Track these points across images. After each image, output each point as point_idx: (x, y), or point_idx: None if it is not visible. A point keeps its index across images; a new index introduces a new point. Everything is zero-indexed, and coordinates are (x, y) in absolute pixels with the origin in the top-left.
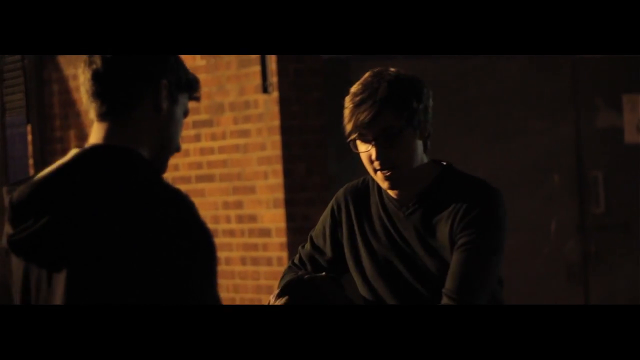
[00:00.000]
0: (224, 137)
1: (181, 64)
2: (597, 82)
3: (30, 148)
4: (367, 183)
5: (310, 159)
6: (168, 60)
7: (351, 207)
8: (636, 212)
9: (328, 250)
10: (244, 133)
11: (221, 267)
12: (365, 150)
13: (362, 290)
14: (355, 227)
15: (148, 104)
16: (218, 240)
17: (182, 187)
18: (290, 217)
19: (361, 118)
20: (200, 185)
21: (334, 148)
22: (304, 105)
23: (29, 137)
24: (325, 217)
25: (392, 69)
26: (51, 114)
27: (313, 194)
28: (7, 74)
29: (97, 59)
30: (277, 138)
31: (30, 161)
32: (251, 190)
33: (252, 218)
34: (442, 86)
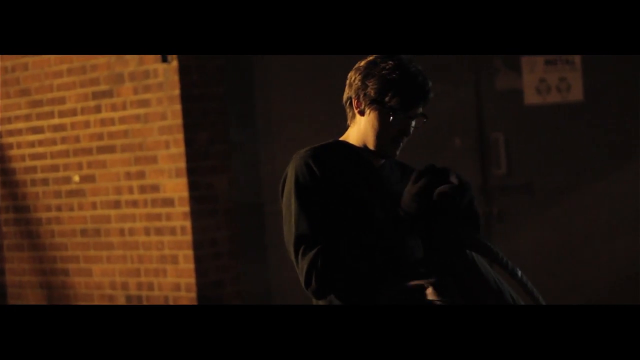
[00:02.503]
0: (124, 107)
1: None
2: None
3: None
4: (331, 147)
5: (212, 127)
6: None
7: (327, 163)
8: (537, 172)
9: (329, 199)
10: (145, 103)
11: (125, 238)
12: (402, 120)
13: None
14: (341, 177)
15: None
16: (121, 212)
17: (83, 159)
18: (192, 186)
19: (426, 96)
20: (102, 157)
21: (234, 116)
22: (204, 73)
23: None
24: (304, 176)
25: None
26: None
27: (215, 162)
28: None
29: None
30: (177, 107)
31: None
32: (153, 160)
33: (155, 188)
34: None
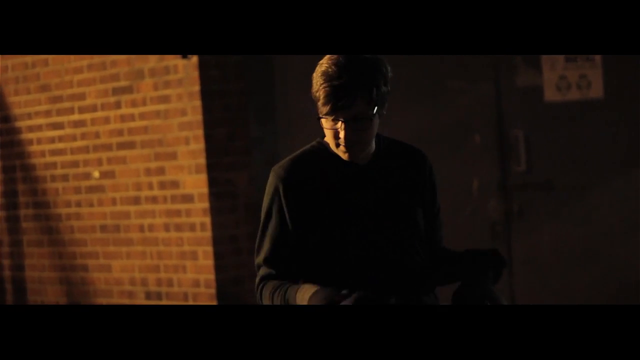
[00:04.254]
0: (144, 103)
1: None
2: None
3: None
4: (309, 155)
5: (231, 124)
6: None
7: (301, 179)
8: (557, 170)
9: (293, 226)
10: (165, 99)
11: (144, 234)
12: (331, 128)
13: (332, 244)
14: (316, 191)
15: None
16: (141, 208)
17: (103, 155)
18: (212, 182)
19: (340, 103)
20: (122, 153)
21: (254, 112)
22: (224, 69)
23: None
24: (272, 200)
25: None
26: None
27: (235, 158)
28: None
29: None
30: (197, 103)
31: None
32: (173, 156)
33: (175, 184)
34: None
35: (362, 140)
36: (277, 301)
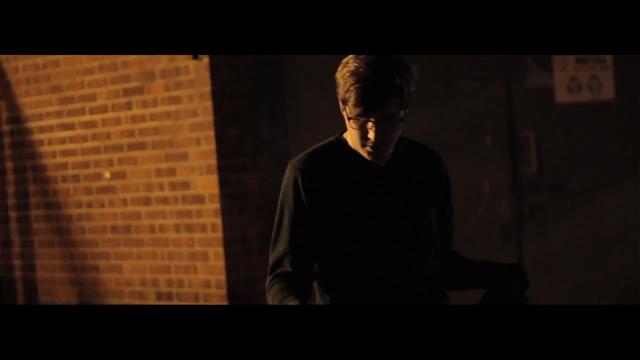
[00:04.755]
0: (155, 104)
1: None
2: None
3: None
4: (328, 150)
5: (242, 125)
6: None
7: (320, 173)
8: (568, 171)
9: (310, 220)
10: (175, 100)
11: (155, 235)
12: (359, 128)
13: (346, 241)
14: (334, 187)
15: None
16: (152, 208)
17: (114, 156)
18: (223, 183)
19: (373, 105)
20: (133, 153)
21: (265, 113)
22: (235, 70)
23: None
24: (289, 194)
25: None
26: None
27: (246, 159)
28: None
29: None
30: (208, 104)
31: None
32: (184, 157)
33: (185, 185)
34: None
35: (390, 140)
36: (275, 302)
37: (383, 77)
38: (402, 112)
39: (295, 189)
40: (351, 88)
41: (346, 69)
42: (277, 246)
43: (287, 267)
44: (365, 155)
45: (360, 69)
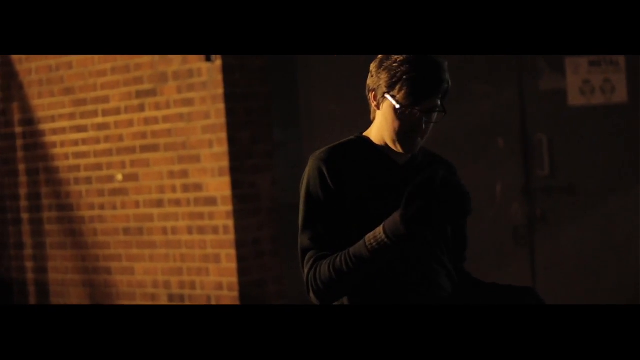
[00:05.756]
0: (168, 106)
1: None
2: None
3: None
4: (349, 146)
5: (255, 127)
6: None
7: (342, 166)
8: (581, 174)
9: (337, 208)
10: (188, 102)
11: (167, 237)
12: (402, 118)
13: (361, 233)
14: (354, 181)
15: None
16: (164, 210)
17: (127, 158)
18: (235, 185)
19: (426, 94)
20: (145, 155)
21: (278, 115)
22: (247, 72)
23: None
24: (316, 183)
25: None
26: None
27: (258, 161)
28: None
29: None
30: (221, 106)
31: None
32: (196, 159)
33: (198, 187)
34: None
35: (427, 133)
36: (338, 264)
37: (435, 69)
38: (443, 105)
39: (322, 177)
40: (404, 77)
41: (393, 58)
42: (307, 232)
43: (324, 249)
44: (396, 147)
45: (413, 60)
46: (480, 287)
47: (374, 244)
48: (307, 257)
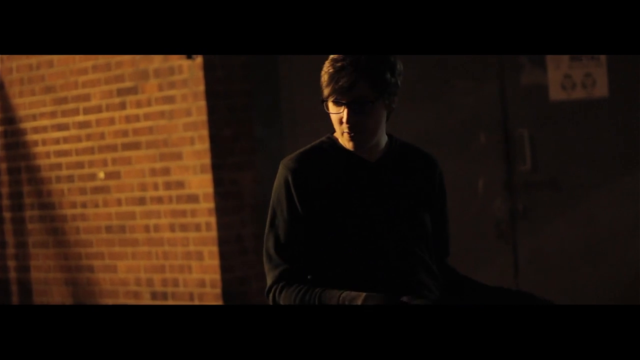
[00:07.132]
0: (149, 103)
1: None
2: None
3: None
4: (320, 149)
5: (237, 124)
6: None
7: (312, 171)
8: (562, 169)
9: (301, 218)
10: (169, 99)
11: (150, 235)
12: (337, 113)
13: (340, 239)
14: (326, 185)
15: None
16: (146, 208)
17: (108, 156)
18: (217, 182)
19: (340, 83)
20: (127, 153)
21: (259, 112)
22: (229, 70)
23: None
24: (281, 193)
25: None
26: None
27: (240, 158)
28: None
29: None
30: (202, 103)
31: None
32: (178, 156)
33: (180, 184)
34: None
35: (366, 127)
36: (305, 300)
37: (352, 59)
38: (376, 97)
39: (287, 188)
40: (324, 72)
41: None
42: (269, 243)
43: (285, 264)
44: (347, 144)
45: (335, 57)
46: (467, 284)
47: (347, 302)
48: (270, 265)
